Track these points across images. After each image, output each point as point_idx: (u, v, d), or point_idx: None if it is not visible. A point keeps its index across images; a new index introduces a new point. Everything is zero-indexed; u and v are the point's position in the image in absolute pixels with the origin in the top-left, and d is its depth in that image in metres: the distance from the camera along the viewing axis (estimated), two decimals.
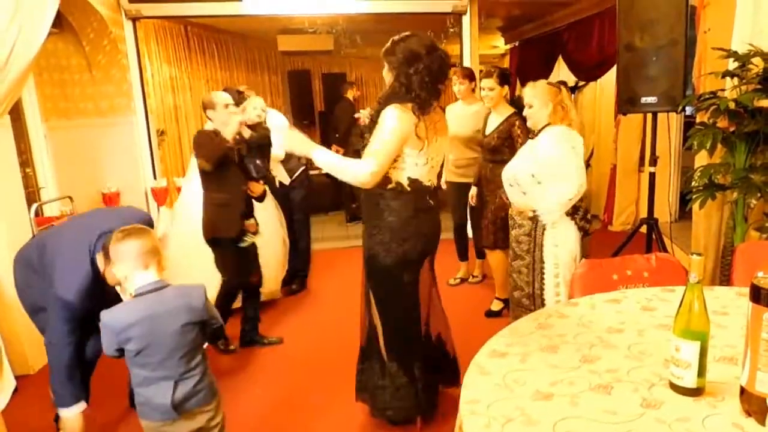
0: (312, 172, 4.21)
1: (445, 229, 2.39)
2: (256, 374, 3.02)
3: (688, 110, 4.13)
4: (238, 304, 3.35)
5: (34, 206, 3.61)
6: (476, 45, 5.42)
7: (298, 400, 2.72)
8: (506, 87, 3.48)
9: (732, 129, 2.93)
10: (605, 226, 5.83)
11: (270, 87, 8.47)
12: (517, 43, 8.06)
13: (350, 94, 6.98)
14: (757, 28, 2.91)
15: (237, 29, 7.26)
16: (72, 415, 2.04)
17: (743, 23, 2.96)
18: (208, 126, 3.10)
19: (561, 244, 2.51)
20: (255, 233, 3.13)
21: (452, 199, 4.03)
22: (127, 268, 1.69)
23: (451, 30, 5.81)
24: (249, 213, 3.13)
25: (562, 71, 6.72)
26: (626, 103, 3.50)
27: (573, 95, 6.22)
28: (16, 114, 3.95)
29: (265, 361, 3.16)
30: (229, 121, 2.93)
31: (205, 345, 1.84)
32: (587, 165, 5.73)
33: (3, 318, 2.88)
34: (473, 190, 3.72)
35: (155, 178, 5.06)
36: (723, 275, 3.20)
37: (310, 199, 4.29)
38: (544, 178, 2.47)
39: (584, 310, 1.66)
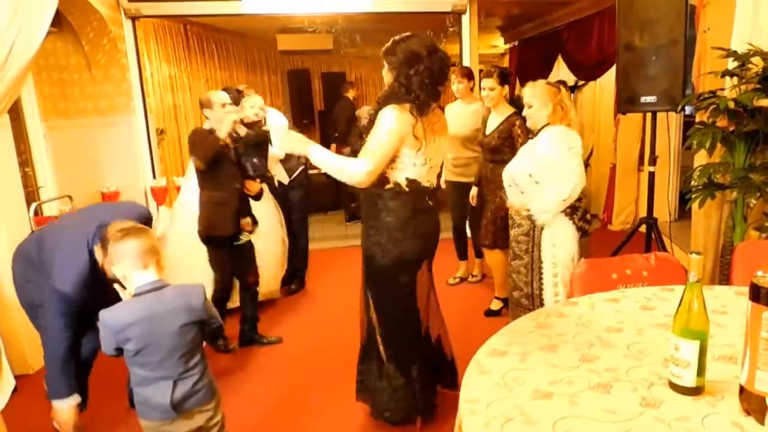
0: (312, 172, 4.21)
1: (444, 229, 2.39)
2: (255, 374, 3.02)
3: (688, 110, 4.13)
4: (237, 303, 3.35)
5: (34, 205, 3.61)
6: (476, 44, 5.42)
7: (298, 400, 2.72)
8: (506, 87, 3.48)
9: (731, 128, 2.93)
10: (605, 226, 5.83)
11: (269, 86, 8.47)
12: (516, 43, 8.06)
13: (350, 94, 6.98)
14: (757, 28, 2.91)
15: (236, 28, 7.26)
16: (65, 407, 2.04)
17: (743, 23, 2.96)
18: (207, 125, 3.10)
19: (559, 244, 2.51)
20: (251, 231, 3.12)
21: (451, 199, 4.04)
22: (126, 267, 1.69)
23: (451, 29, 5.81)
24: (245, 211, 3.12)
25: (561, 71, 6.72)
26: (626, 102, 3.50)
27: (572, 95, 6.23)
28: (16, 113, 3.94)
29: (264, 360, 3.16)
30: (226, 119, 2.93)
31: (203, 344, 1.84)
32: (587, 164, 5.73)
33: (2, 317, 2.88)
34: (474, 190, 3.72)
35: (155, 177, 5.05)
36: (722, 274, 3.20)
37: (309, 198, 4.29)
38: (542, 178, 2.46)
39: (583, 310, 1.66)
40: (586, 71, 6.18)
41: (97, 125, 4.77)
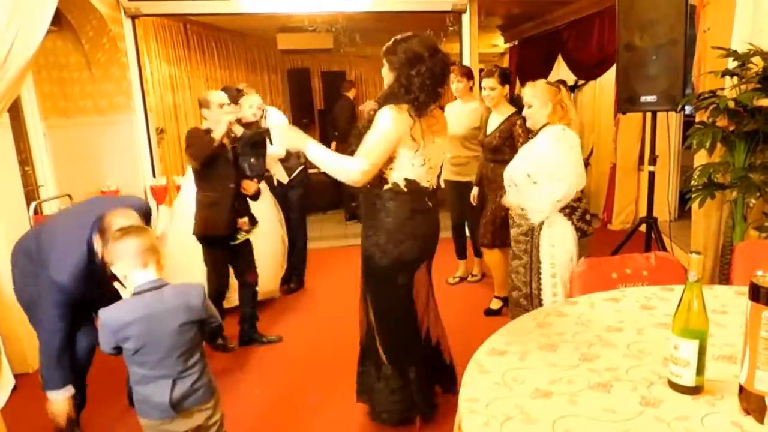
0: (311, 171, 4.21)
1: (443, 228, 2.38)
2: (254, 373, 3.02)
3: (688, 109, 4.13)
4: (236, 302, 3.35)
5: (33, 204, 3.61)
6: (476, 43, 5.42)
7: (297, 399, 2.72)
8: (507, 86, 3.48)
9: (731, 128, 2.93)
10: (605, 225, 5.84)
11: (269, 85, 8.47)
12: (516, 42, 8.05)
13: (350, 93, 6.98)
14: (757, 28, 2.91)
15: (236, 27, 7.26)
16: (60, 398, 2.05)
17: (743, 22, 2.96)
18: (205, 125, 3.10)
19: (558, 245, 2.50)
20: (248, 231, 3.12)
21: (449, 198, 4.03)
22: (125, 266, 1.69)
23: (451, 28, 5.81)
24: (243, 211, 3.12)
25: (561, 70, 6.72)
26: (626, 102, 3.50)
27: (572, 94, 6.23)
28: (15, 112, 3.94)
29: (264, 360, 3.16)
30: (221, 119, 2.93)
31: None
32: (587, 164, 5.73)
33: (2, 316, 2.88)
34: (474, 190, 3.72)
35: (154, 176, 5.05)
36: (722, 274, 3.21)
37: (308, 198, 4.28)
38: (540, 178, 2.45)
39: (583, 309, 1.66)
40: (587, 71, 6.18)
41: (96, 124, 4.77)
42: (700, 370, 1.15)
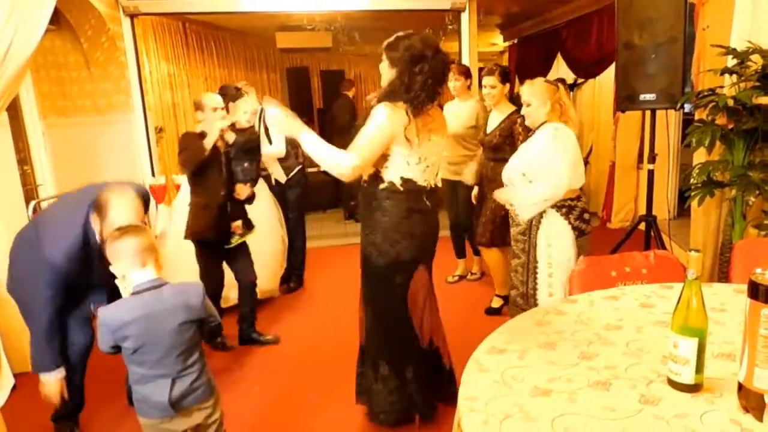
0: (310, 170, 4.20)
1: (441, 227, 2.37)
2: (253, 372, 3.02)
3: (687, 107, 4.13)
4: (235, 301, 3.35)
5: (32, 203, 3.60)
6: (475, 42, 5.41)
7: (296, 399, 2.72)
8: (507, 85, 3.48)
9: (731, 126, 2.93)
10: (604, 224, 5.84)
11: (268, 84, 8.47)
12: (515, 41, 8.05)
13: (349, 92, 6.98)
14: (756, 25, 2.91)
15: (235, 26, 7.25)
16: (52, 380, 2.07)
17: (742, 20, 2.96)
18: (199, 127, 3.10)
19: (554, 244, 2.48)
20: (242, 235, 3.11)
21: (446, 197, 4.03)
22: (124, 266, 1.69)
23: (450, 27, 5.80)
24: (236, 215, 3.12)
25: (561, 69, 6.72)
26: (625, 100, 3.50)
27: (572, 93, 6.22)
28: (14, 111, 3.93)
29: (263, 359, 3.16)
30: (213, 126, 2.92)
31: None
32: (586, 162, 5.73)
33: (2, 315, 2.87)
34: (475, 189, 3.72)
35: (153, 175, 5.05)
36: (721, 272, 3.21)
37: (306, 197, 4.28)
38: (535, 177, 2.45)
39: (582, 307, 1.66)
40: (586, 69, 6.18)
41: (95, 123, 4.77)
42: (699, 367, 1.15)
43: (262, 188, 3.87)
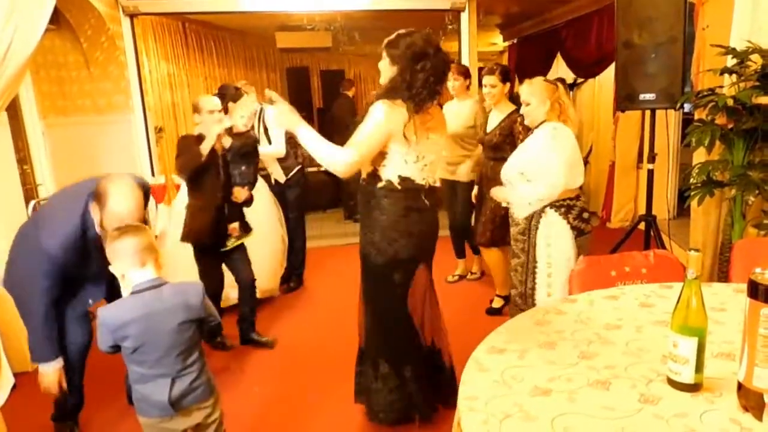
0: (309, 170, 4.20)
1: (442, 227, 2.37)
2: (253, 372, 3.02)
3: (687, 107, 4.13)
4: (235, 301, 3.35)
5: (32, 203, 3.60)
6: (474, 42, 5.41)
7: (296, 398, 2.72)
8: (508, 84, 3.47)
9: (730, 126, 2.93)
10: (604, 223, 5.84)
11: (268, 84, 8.47)
12: (515, 41, 8.05)
13: (349, 92, 6.98)
14: (756, 25, 2.91)
15: (235, 26, 7.25)
16: (51, 370, 2.07)
17: (742, 20, 2.96)
18: (197, 130, 3.09)
19: (553, 244, 2.48)
20: (238, 237, 3.11)
21: (445, 197, 4.02)
22: (123, 265, 1.69)
23: (450, 27, 5.80)
24: (233, 217, 3.11)
25: (560, 68, 6.72)
26: (625, 100, 3.50)
27: (571, 93, 6.23)
28: (14, 111, 3.93)
29: (263, 358, 3.16)
30: (210, 130, 2.91)
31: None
32: (586, 162, 5.73)
33: (2, 315, 2.87)
34: (475, 189, 3.72)
35: (153, 175, 5.04)
36: (721, 272, 3.21)
37: (306, 197, 4.27)
38: (533, 176, 2.45)
39: (582, 307, 1.66)
40: (585, 69, 6.18)
41: (95, 123, 4.77)
42: (698, 367, 1.16)
43: (262, 188, 3.87)
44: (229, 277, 3.25)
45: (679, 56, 3.17)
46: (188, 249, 3.24)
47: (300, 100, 8.72)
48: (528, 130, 2.76)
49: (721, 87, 3.05)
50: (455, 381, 2.35)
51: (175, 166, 3.02)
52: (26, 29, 2.77)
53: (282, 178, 4.04)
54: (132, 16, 4.77)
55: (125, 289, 1.72)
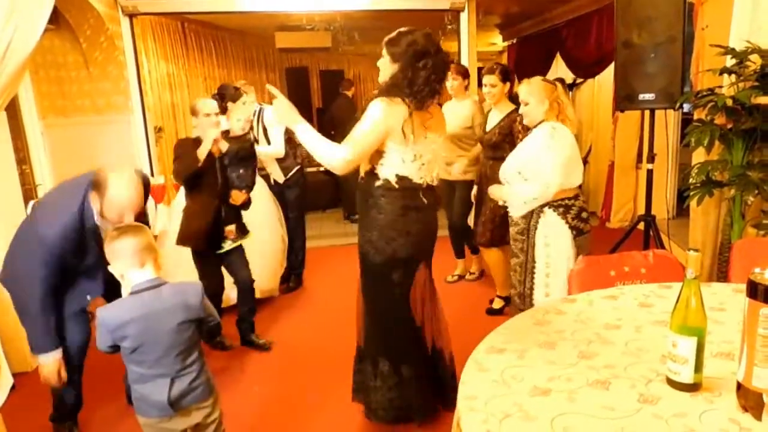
0: (309, 170, 4.20)
1: (441, 227, 2.37)
2: (253, 371, 3.02)
3: (686, 107, 4.13)
4: (235, 302, 3.35)
5: (31, 203, 3.58)
6: (474, 42, 5.41)
7: (295, 398, 2.72)
8: (508, 84, 3.47)
9: (729, 126, 2.93)
10: (603, 223, 5.84)
11: (268, 84, 8.46)
12: (515, 41, 8.05)
13: (349, 92, 6.97)
14: (755, 25, 2.91)
15: (234, 26, 7.25)
16: (51, 360, 2.07)
17: (741, 20, 2.96)
18: (194, 133, 3.09)
19: (552, 244, 2.48)
20: (234, 240, 3.11)
21: (444, 197, 4.01)
22: (123, 265, 1.69)
23: (449, 27, 5.80)
24: (230, 219, 3.11)
25: (560, 68, 6.72)
26: (624, 100, 3.50)
27: (571, 93, 6.22)
28: (13, 111, 3.93)
29: (262, 358, 3.16)
30: (206, 133, 2.91)
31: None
32: (585, 162, 5.73)
33: (1, 315, 2.87)
34: (474, 189, 3.72)
35: (153, 175, 5.04)
36: (720, 272, 3.21)
37: (305, 197, 4.27)
38: (531, 175, 2.45)
39: (582, 307, 1.66)
40: (585, 69, 6.18)
41: (94, 123, 4.76)
42: (698, 367, 1.16)
43: (262, 188, 3.87)
44: (229, 278, 3.25)
45: (678, 56, 3.17)
46: (188, 249, 3.25)
47: (299, 100, 8.69)
48: (527, 130, 2.76)
49: (721, 87, 3.05)
50: (455, 381, 2.36)
51: (172, 171, 3.02)
52: (26, 29, 2.77)
53: (281, 179, 4.04)
54: (131, 16, 4.77)
55: (125, 289, 1.72)
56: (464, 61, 5.07)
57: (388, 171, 2.09)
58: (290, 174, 4.05)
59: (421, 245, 2.21)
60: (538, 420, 1.09)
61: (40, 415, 2.45)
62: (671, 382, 1.19)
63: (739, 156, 2.92)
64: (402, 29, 2.09)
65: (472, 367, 1.32)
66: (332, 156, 2.01)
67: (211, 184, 3.00)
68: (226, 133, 3.11)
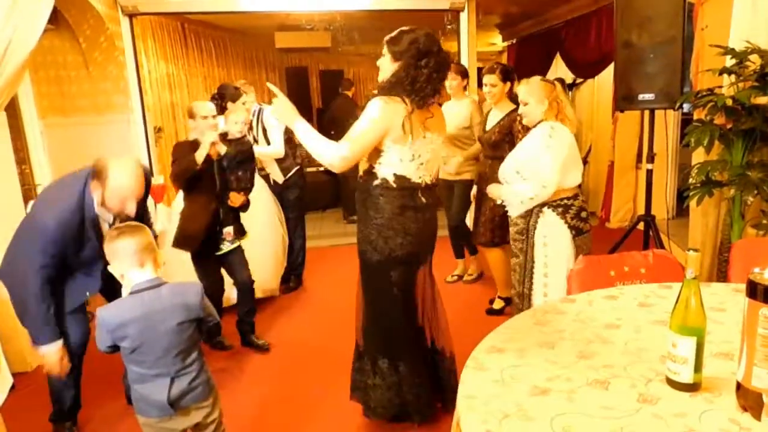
0: (309, 169, 4.20)
1: (441, 227, 2.37)
2: (252, 371, 3.02)
3: (686, 107, 4.13)
4: (236, 301, 3.35)
5: (31, 203, 3.59)
6: (474, 42, 5.41)
7: (295, 397, 2.72)
8: (509, 83, 3.47)
9: (729, 126, 2.93)
10: (603, 223, 5.84)
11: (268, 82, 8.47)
12: (514, 41, 8.05)
13: (349, 92, 6.97)
14: (755, 25, 2.91)
15: (234, 26, 7.25)
16: (53, 350, 2.08)
17: (741, 20, 2.96)
18: (192, 135, 3.09)
19: (550, 244, 2.47)
20: (232, 242, 3.10)
21: (443, 197, 4.01)
22: (122, 265, 1.69)
23: (449, 27, 5.80)
24: (228, 221, 3.10)
25: (559, 68, 6.72)
26: (624, 100, 3.50)
27: (570, 93, 6.23)
28: (13, 111, 3.92)
29: (262, 358, 3.16)
30: (204, 137, 2.90)
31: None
32: (585, 162, 5.73)
33: (0, 315, 2.87)
34: (474, 189, 3.71)
35: (152, 175, 5.04)
36: (720, 272, 3.21)
37: (305, 197, 4.27)
38: (529, 175, 2.45)
39: (581, 307, 1.66)
40: (585, 69, 6.18)
41: (94, 123, 4.76)
42: (697, 367, 1.16)
43: (262, 188, 3.87)
44: (230, 278, 3.25)
45: (678, 56, 3.17)
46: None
47: (299, 100, 8.69)
48: (527, 130, 2.76)
49: (720, 87, 3.05)
50: (456, 380, 2.36)
51: (170, 175, 3.02)
52: (25, 29, 2.77)
53: (280, 179, 4.04)
54: (131, 16, 4.77)
55: (125, 289, 1.72)
56: (464, 62, 5.07)
57: (386, 170, 2.09)
58: (290, 174, 4.04)
59: (420, 245, 2.20)
60: (538, 420, 1.09)
61: (40, 415, 2.45)
62: (671, 382, 1.19)
63: (738, 156, 2.92)
64: (404, 28, 2.09)
65: (471, 367, 1.32)
66: (330, 154, 2.01)
67: (209, 187, 3.00)
68: (223, 136, 3.10)
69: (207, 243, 3.03)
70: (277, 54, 8.51)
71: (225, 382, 2.81)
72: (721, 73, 2.95)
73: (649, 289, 1.77)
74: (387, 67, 2.10)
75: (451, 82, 3.78)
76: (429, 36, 2.06)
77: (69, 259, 2.10)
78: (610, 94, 5.46)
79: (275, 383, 2.87)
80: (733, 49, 2.86)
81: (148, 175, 2.21)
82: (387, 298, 2.20)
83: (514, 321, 1.60)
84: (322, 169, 2.06)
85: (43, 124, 4.41)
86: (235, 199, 3.11)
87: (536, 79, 2.59)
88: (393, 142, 2.05)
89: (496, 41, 8.98)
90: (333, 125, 6.96)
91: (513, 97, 3.67)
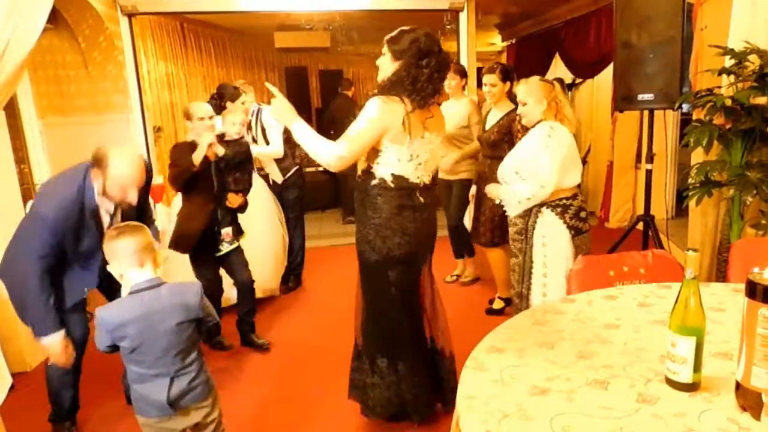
0: (308, 169, 4.20)
1: (440, 227, 2.37)
2: (252, 371, 3.02)
3: (685, 107, 4.14)
4: (235, 301, 3.35)
5: (30, 203, 3.59)
6: (473, 42, 5.41)
7: (295, 397, 2.72)
8: (509, 83, 3.46)
9: (728, 126, 2.94)
10: (602, 223, 5.85)
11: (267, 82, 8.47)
12: (514, 41, 8.05)
13: (348, 92, 6.97)
14: (754, 26, 2.92)
15: (233, 26, 7.25)
16: (57, 340, 2.08)
17: (740, 21, 2.96)
18: (189, 136, 3.08)
19: (549, 244, 2.47)
20: (231, 243, 3.10)
21: (442, 198, 4.01)
22: (122, 265, 1.69)
23: (448, 27, 5.80)
24: (226, 222, 3.10)
25: (559, 69, 6.72)
26: (623, 100, 3.50)
27: (570, 93, 6.23)
28: (12, 110, 3.92)
29: (262, 358, 3.16)
30: (201, 139, 2.91)
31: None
32: (584, 162, 5.73)
33: (0, 315, 2.87)
34: (473, 189, 3.72)
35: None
36: (719, 272, 3.21)
37: (304, 197, 4.27)
38: (527, 175, 2.45)
39: (581, 306, 1.66)
40: (584, 69, 6.18)
41: (93, 123, 4.75)
42: (697, 367, 1.16)
43: (262, 188, 3.87)
44: (230, 277, 3.25)
45: (677, 56, 3.17)
46: None
47: (299, 100, 8.72)
48: (526, 129, 2.76)
49: (720, 87, 3.05)
50: (456, 380, 2.36)
51: (168, 177, 3.02)
52: (24, 28, 2.77)
53: (279, 179, 4.04)
54: (130, 16, 4.77)
55: (124, 289, 1.72)
56: (463, 61, 5.08)
57: (384, 170, 2.09)
58: (289, 174, 4.04)
59: (418, 244, 2.20)
60: (537, 420, 1.09)
61: (39, 415, 2.45)
62: (670, 382, 1.19)
63: (737, 156, 2.92)
64: (404, 28, 2.09)
65: (471, 367, 1.32)
66: (327, 153, 2.01)
67: (207, 188, 2.99)
68: (221, 137, 3.10)
69: (205, 244, 3.03)
70: (276, 54, 8.51)
71: (225, 382, 2.81)
72: (720, 74, 2.95)
73: (648, 289, 1.78)
74: (387, 66, 2.09)
75: (450, 81, 3.78)
76: (429, 36, 2.06)
77: (68, 250, 2.09)
78: (610, 94, 5.47)
79: (275, 383, 2.87)
80: (732, 50, 2.86)
81: (148, 164, 2.21)
82: (385, 297, 2.20)
83: (513, 321, 1.61)
84: (321, 169, 2.06)
85: (42, 123, 4.41)
86: (233, 200, 3.11)
87: (535, 79, 2.59)
88: (391, 142, 2.04)
89: (496, 41, 8.98)
90: (332, 125, 6.96)
91: (513, 97, 3.66)
